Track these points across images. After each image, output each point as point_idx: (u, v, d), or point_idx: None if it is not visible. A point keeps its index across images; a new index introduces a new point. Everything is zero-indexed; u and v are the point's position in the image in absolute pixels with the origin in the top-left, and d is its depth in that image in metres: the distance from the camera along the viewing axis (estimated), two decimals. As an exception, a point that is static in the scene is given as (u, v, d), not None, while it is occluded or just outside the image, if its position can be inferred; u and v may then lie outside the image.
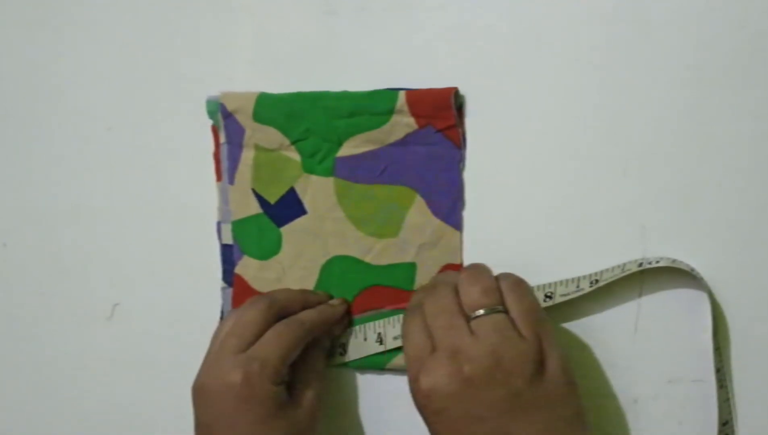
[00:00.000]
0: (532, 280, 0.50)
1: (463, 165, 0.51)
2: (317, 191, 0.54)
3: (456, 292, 0.46)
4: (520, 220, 0.50)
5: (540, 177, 0.49)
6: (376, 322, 0.53)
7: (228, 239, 0.57)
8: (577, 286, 0.48)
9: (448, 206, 0.51)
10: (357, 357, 0.54)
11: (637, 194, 0.48)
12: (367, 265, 0.53)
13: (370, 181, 0.53)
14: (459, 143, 0.50)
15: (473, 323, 0.44)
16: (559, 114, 0.49)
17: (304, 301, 0.53)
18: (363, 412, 0.55)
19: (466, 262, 0.51)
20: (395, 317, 0.52)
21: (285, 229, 0.55)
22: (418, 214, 0.52)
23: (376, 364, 0.54)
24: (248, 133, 0.55)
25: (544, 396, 0.42)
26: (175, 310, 0.60)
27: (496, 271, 0.51)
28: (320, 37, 0.54)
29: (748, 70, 0.45)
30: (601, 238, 0.49)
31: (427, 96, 0.50)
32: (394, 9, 0.52)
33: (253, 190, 0.55)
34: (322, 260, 0.54)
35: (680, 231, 0.47)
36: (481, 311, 0.44)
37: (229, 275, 0.57)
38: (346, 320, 0.54)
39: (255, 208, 0.56)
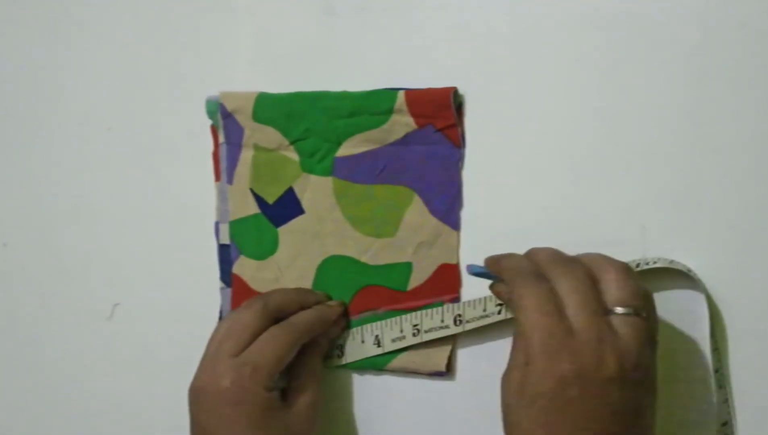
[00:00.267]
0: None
1: (462, 164, 0.51)
2: (316, 191, 0.54)
3: (591, 277, 0.43)
4: (519, 220, 0.50)
5: (539, 177, 0.49)
6: (374, 324, 0.53)
7: (226, 239, 0.57)
8: None
9: (447, 206, 0.51)
10: (354, 359, 0.54)
11: (637, 194, 0.48)
12: (364, 265, 0.53)
13: (368, 181, 0.52)
14: (458, 143, 0.50)
15: (614, 319, 0.41)
16: (559, 114, 0.49)
17: (302, 301, 0.53)
18: (363, 413, 0.55)
19: (463, 262, 0.51)
20: (393, 320, 0.52)
21: (282, 229, 0.55)
22: (416, 213, 0.52)
23: (375, 364, 0.54)
24: (247, 133, 0.55)
25: (650, 406, 0.41)
26: (175, 310, 0.60)
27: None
28: (320, 37, 0.54)
29: (748, 70, 0.45)
30: (601, 238, 0.48)
31: (427, 95, 0.50)
32: (394, 9, 0.52)
33: (252, 190, 0.55)
34: (319, 260, 0.54)
35: (680, 231, 0.47)
36: (624, 310, 0.41)
37: (227, 275, 0.57)
38: (344, 322, 0.54)
39: (253, 208, 0.56)
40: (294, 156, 0.54)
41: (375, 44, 0.53)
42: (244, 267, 0.56)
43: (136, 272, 0.61)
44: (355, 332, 0.54)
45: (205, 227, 0.58)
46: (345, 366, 0.54)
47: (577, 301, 0.41)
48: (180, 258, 0.59)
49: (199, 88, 0.56)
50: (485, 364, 0.52)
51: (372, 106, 0.51)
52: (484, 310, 0.49)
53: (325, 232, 0.54)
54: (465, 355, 0.52)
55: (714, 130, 0.46)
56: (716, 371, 0.46)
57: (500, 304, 0.48)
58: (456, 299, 0.52)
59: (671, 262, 0.46)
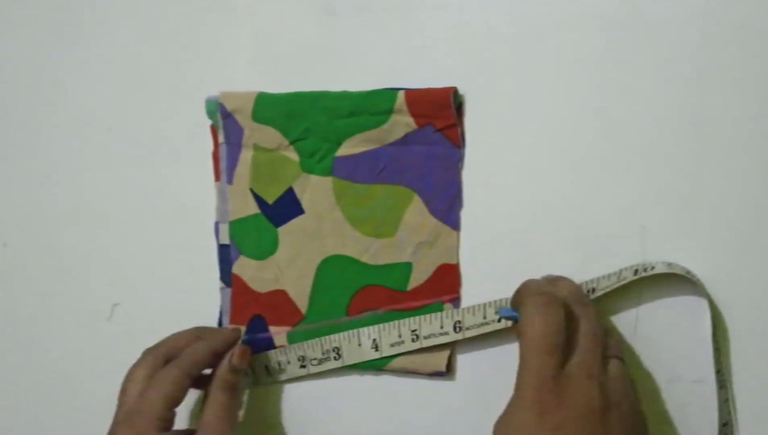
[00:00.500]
0: (532, 280, 0.50)
1: (462, 164, 0.51)
2: (315, 191, 0.54)
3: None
4: (519, 220, 0.50)
5: (539, 177, 0.49)
6: (371, 327, 0.53)
7: (225, 239, 0.57)
8: None
9: (446, 206, 0.51)
10: (352, 362, 0.54)
11: (637, 194, 0.48)
12: (364, 264, 0.53)
13: (368, 181, 0.52)
14: (458, 143, 0.50)
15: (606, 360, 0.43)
16: (559, 114, 0.49)
17: (194, 338, 0.54)
18: (363, 413, 0.55)
19: (463, 263, 0.51)
20: (391, 324, 0.52)
21: (282, 229, 0.55)
22: (416, 213, 0.52)
23: (375, 365, 0.54)
24: (247, 132, 0.55)
25: None
26: (175, 310, 0.59)
27: (494, 271, 0.51)
28: (320, 37, 0.54)
29: (748, 70, 0.45)
30: (601, 238, 0.48)
31: (427, 95, 0.50)
32: (394, 9, 0.52)
33: (252, 190, 0.55)
34: (319, 260, 0.54)
35: (680, 231, 0.47)
36: (612, 353, 0.44)
37: (227, 275, 0.57)
38: (248, 351, 0.54)
39: (253, 208, 0.56)
40: (294, 156, 0.54)
41: (375, 44, 0.53)
42: (244, 267, 0.56)
43: (136, 272, 0.61)
44: (352, 335, 0.53)
45: (205, 227, 0.58)
46: (345, 366, 0.54)
47: (591, 347, 0.43)
48: (180, 258, 0.59)
49: (199, 88, 0.56)
50: (485, 364, 0.52)
51: (372, 106, 0.51)
52: (484, 318, 0.50)
53: (324, 232, 0.54)
54: (465, 355, 0.52)
55: (714, 130, 0.46)
56: (718, 371, 0.46)
57: None
58: (456, 299, 0.52)
59: (670, 265, 0.46)
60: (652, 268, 0.46)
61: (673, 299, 0.47)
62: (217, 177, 0.57)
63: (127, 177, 0.60)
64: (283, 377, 0.56)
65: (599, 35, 0.48)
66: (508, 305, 0.48)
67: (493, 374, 0.51)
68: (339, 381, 0.55)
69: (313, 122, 0.53)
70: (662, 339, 0.48)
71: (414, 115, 0.51)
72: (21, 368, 0.65)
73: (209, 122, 0.57)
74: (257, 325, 0.56)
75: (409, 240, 0.52)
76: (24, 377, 0.65)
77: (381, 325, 0.52)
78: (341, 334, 0.54)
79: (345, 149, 0.53)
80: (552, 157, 0.49)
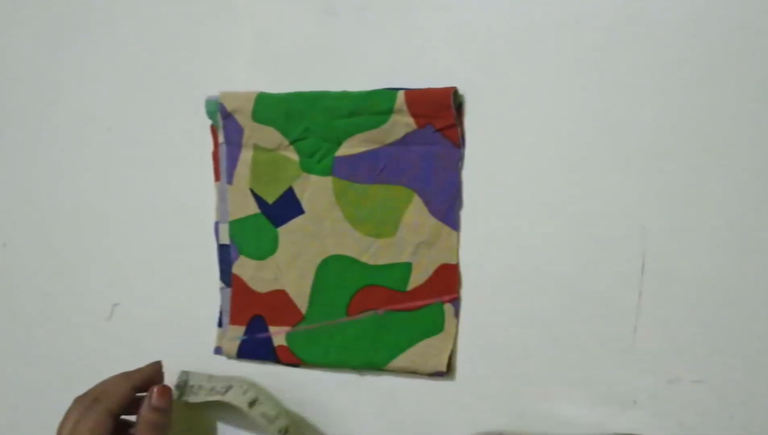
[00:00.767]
0: (531, 281, 0.50)
1: (462, 164, 0.51)
2: (315, 191, 0.54)
3: None
4: (519, 220, 0.50)
5: (539, 177, 0.49)
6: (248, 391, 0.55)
7: (225, 239, 0.57)
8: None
9: (446, 206, 0.51)
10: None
11: (637, 194, 0.48)
12: (364, 264, 0.53)
13: (368, 181, 0.52)
14: (458, 143, 0.50)
15: None
16: (559, 114, 0.49)
17: (122, 382, 0.56)
18: (363, 413, 0.55)
19: (463, 262, 0.51)
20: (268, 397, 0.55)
21: (282, 229, 0.55)
22: (416, 213, 0.52)
23: (375, 364, 0.54)
24: (247, 132, 0.55)
25: None
26: (175, 310, 0.60)
27: (494, 271, 0.51)
28: (320, 37, 0.54)
29: (748, 70, 0.45)
30: (601, 238, 0.48)
31: (427, 95, 0.50)
32: (394, 9, 0.52)
33: (252, 190, 0.55)
34: (319, 260, 0.54)
35: (680, 231, 0.47)
36: None
37: (227, 275, 0.57)
38: (167, 392, 0.55)
39: (253, 208, 0.56)
40: (294, 156, 0.54)
41: (375, 44, 0.53)
42: (243, 267, 0.56)
43: (136, 272, 0.61)
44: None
45: (205, 227, 0.58)
46: (346, 366, 0.54)
47: None
48: (180, 258, 0.59)
49: (199, 88, 0.56)
50: (485, 364, 0.52)
51: (372, 106, 0.51)
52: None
53: (324, 231, 0.54)
54: (465, 355, 0.52)
55: (714, 130, 0.46)
56: None
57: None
58: (456, 299, 0.52)
59: None
60: None
61: (672, 299, 0.47)
62: (217, 177, 0.57)
63: (127, 177, 0.60)
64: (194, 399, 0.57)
65: (599, 35, 0.48)
66: None
67: (493, 374, 0.51)
68: (339, 381, 0.55)
69: (313, 122, 0.53)
70: (662, 338, 0.48)
71: (414, 115, 0.51)
72: (21, 368, 0.65)
73: (209, 122, 0.57)
74: (257, 325, 0.56)
75: (409, 240, 0.52)
76: (24, 377, 0.65)
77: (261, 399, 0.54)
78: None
79: (345, 149, 0.53)
80: (552, 157, 0.49)
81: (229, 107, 0.55)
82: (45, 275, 0.63)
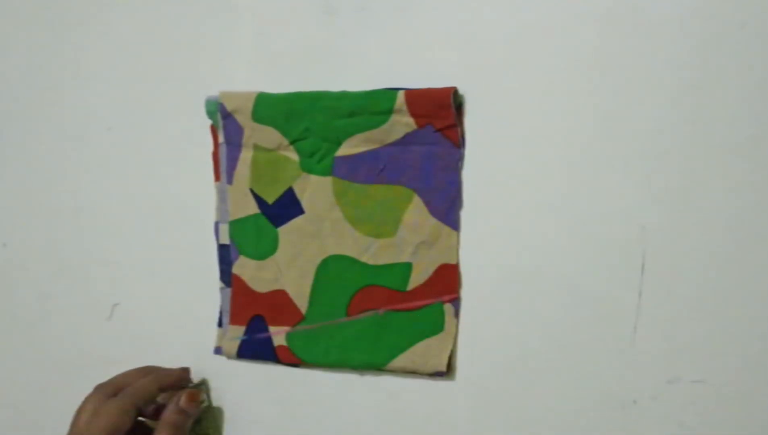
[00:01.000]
0: (531, 281, 0.50)
1: (462, 164, 0.51)
2: (315, 191, 0.54)
3: None
4: (518, 220, 0.50)
5: (539, 177, 0.49)
6: None
7: (225, 239, 0.57)
8: None
9: (446, 206, 0.51)
10: None
11: (637, 194, 0.48)
12: (364, 264, 0.53)
13: (368, 181, 0.52)
14: (458, 143, 0.50)
15: None
16: (559, 114, 0.49)
17: (144, 375, 0.56)
18: (363, 413, 0.55)
19: (462, 262, 0.51)
20: None
21: (282, 229, 0.55)
22: (416, 213, 0.52)
23: (375, 364, 0.54)
24: (247, 132, 0.55)
25: None
26: (175, 310, 0.60)
27: (494, 272, 0.51)
28: (320, 37, 0.54)
29: (748, 70, 0.45)
30: (601, 238, 0.48)
31: (427, 95, 0.50)
32: (394, 9, 0.52)
33: (251, 190, 0.55)
34: (319, 260, 0.54)
35: (680, 231, 0.47)
36: None
37: (227, 275, 0.57)
38: (200, 395, 0.56)
39: (253, 208, 0.56)
40: (294, 156, 0.54)
41: (375, 44, 0.53)
42: (243, 267, 0.56)
43: (136, 272, 0.61)
44: None
45: (205, 227, 0.58)
46: (345, 366, 0.54)
47: None
48: (179, 258, 0.59)
49: (199, 88, 0.56)
50: (485, 364, 0.52)
51: (372, 106, 0.51)
52: None
53: (324, 231, 0.54)
54: (465, 355, 0.52)
55: (714, 130, 0.46)
56: None
57: None
58: (455, 299, 0.52)
59: None
60: None
61: (672, 299, 0.47)
62: (217, 177, 0.57)
63: (127, 177, 0.60)
64: None
65: (599, 36, 0.48)
66: None
67: (493, 374, 0.51)
68: (339, 381, 0.55)
69: (313, 122, 0.53)
70: (662, 338, 0.48)
71: (414, 115, 0.51)
72: (21, 368, 0.65)
73: (209, 122, 0.57)
74: (257, 325, 0.56)
75: (409, 240, 0.52)
76: (24, 377, 0.65)
77: None
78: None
79: (345, 149, 0.53)
80: (552, 157, 0.49)
81: (229, 107, 0.55)
82: (45, 275, 0.63)
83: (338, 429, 0.56)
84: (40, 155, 0.62)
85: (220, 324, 0.58)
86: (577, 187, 0.49)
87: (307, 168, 0.54)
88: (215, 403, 0.58)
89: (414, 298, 0.52)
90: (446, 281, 0.52)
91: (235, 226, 0.56)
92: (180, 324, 0.59)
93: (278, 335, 0.56)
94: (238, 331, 0.57)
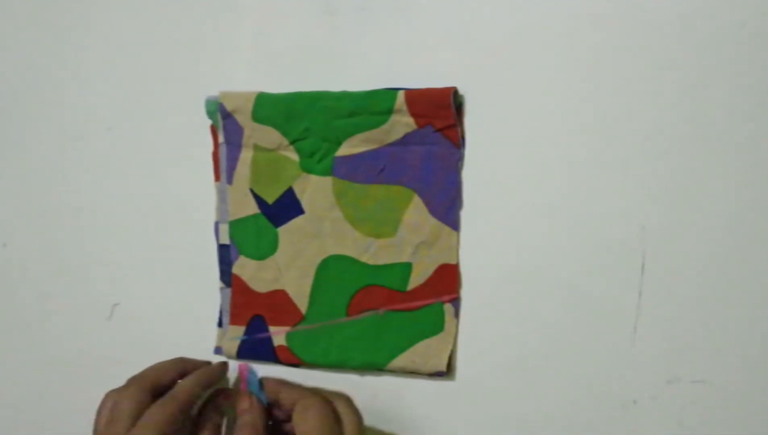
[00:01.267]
0: (531, 282, 0.50)
1: (462, 164, 0.51)
2: (315, 191, 0.54)
3: None
4: (519, 220, 0.50)
5: (539, 177, 0.49)
6: None
7: (225, 239, 0.57)
8: None
9: (446, 206, 0.51)
10: None
11: (637, 194, 0.48)
12: (364, 264, 0.53)
13: (368, 181, 0.52)
14: (458, 143, 0.50)
15: None
16: (559, 114, 0.49)
17: (179, 370, 0.54)
18: (363, 413, 0.55)
19: (462, 262, 0.51)
20: None
21: (282, 229, 0.55)
22: (416, 213, 0.52)
23: (375, 364, 0.54)
24: (247, 132, 0.55)
25: None
26: (175, 310, 0.60)
27: (494, 271, 0.51)
28: (320, 37, 0.54)
29: (748, 70, 0.45)
30: (601, 238, 0.48)
31: (427, 95, 0.50)
32: (394, 9, 0.52)
33: (251, 190, 0.55)
34: (319, 260, 0.54)
35: (680, 231, 0.47)
36: None
37: (226, 276, 0.57)
38: (231, 393, 0.55)
39: (253, 208, 0.56)
40: (293, 156, 0.54)
41: (375, 44, 0.53)
42: (243, 267, 0.56)
43: (136, 272, 0.61)
44: None
45: (204, 227, 0.58)
46: (345, 366, 0.54)
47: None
48: (180, 258, 0.59)
49: (199, 88, 0.56)
50: (485, 364, 0.52)
51: (372, 106, 0.51)
52: None
53: (324, 231, 0.54)
54: (465, 355, 0.52)
55: (714, 130, 0.46)
56: None
57: None
58: (455, 300, 0.52)
59: None
60: None
61: (672, 299, 0.47)
62: (217, 177, 0.57)
63: (127, 177, 0.60)
64: None
65: (599, 35, 0.48)
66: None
67: (493, 374, 0.51)
68: (339, 381, 0.55)
69: (312, 122, 0.53)
70: (662, 338, 0.48)
71: (414, 115, 0.51)
72: (21, 368, 0.65)
73: (209, 122, 0.57)
74: (257, 325, 0.56)
75: (408, 240, 0.52)
76: (24, 377, 0.65)
77: None
78: None
79: (345, 149, 0.53)
80: (552, 157, 0.49)
81: (229, 107, 0.55)
82: (45, 275, 0.63)
83: (338, 429, 0.56)
84: (40, 155, 0.62)
85: (220, 324, 0.58)
86: (577, 187, 0.49)
87: (307, 168, 0.54)
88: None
89: (414, 298, 0.52)
90: (446, 281, 0.52)
91: (235, 226, 0.56)
92: (180, 324, 0.59)
93: (278, 335, 0.56)
94: (238, 331, 0.57)
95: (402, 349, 0.53)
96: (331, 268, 0.54)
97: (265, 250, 0.56)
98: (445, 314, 0.52)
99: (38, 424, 0.65)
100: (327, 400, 0.51)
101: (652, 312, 0.48)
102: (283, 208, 0.55)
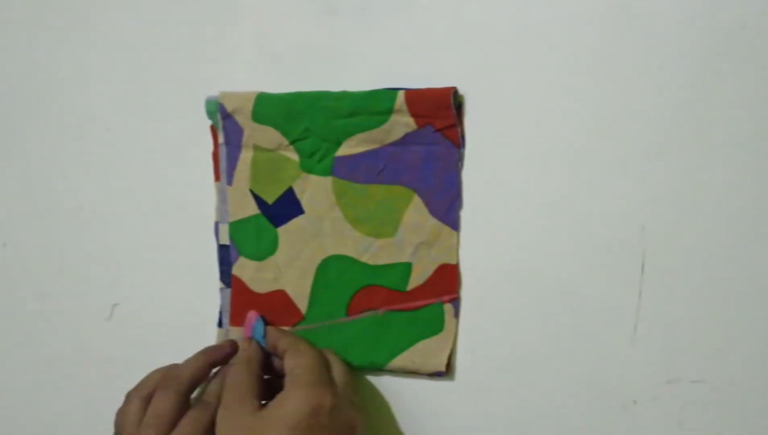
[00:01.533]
0: (531, 282, 0.50)
1: (462, 164, 0.51)
2: (315, 191, 0.54)
3: None
4: (519, 220, 0.50)
5: (539, 177, 0.49)
6: None
7: (225, 240, 0.57)
8: None
9: (446, 206, 0.51)
10: None
11: (636, 194, 0.48)
12: (364, 264, 0.53)
13: (368, 181, 0.52)
14: (458, 143, 0.50)
15: None
16: (559, 114, 0.49)
17: (211, 362, 0.53)
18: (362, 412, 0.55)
19: (462, 262, 0.51)
20: None
21: (282, 230, 0.55)
22: (416, 213, 0.52)
23: (375, 364, 0.54)
24: (247, 133, 0.55)
25: None
26: (175, 310, 0.60)
27: (494, 271, 0.51)
28: (320, 37, 0.54)
29: (748, 70, 0.45)
30: (600, 238, 0.48)
31: (427, 95, 0.50)
32: (394, 9, 0.52)
33: (251, 191, 0.55)
34: (319, 260, 0.54)
35: (680, 231, 0.47)
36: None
37: (226, 276, 0.57)
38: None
39: (253, 208, 0.55)
40: (293, 156, 0.54)
41: (375, 44, 0.53)
42: (243, 268, 0.56)
43: (136, 272, 0.61)
44: None
45: (204, 228, 0.58)
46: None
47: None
48: (179, 258, 0.59)
49: (199, 88, 0.56)
50: (485, 364, 0.52)
51: (372, 106, 0.51)
52: None
53: (324, 232, 0.54)
54: (465, 355, 0.52)
55: (714, 129, 0.46)
56: None
57: None
58: (455, 300, 0.52)
59: None
60: None
61: (672, 299, 0.47)
62: (217, 177, 0.57)
63: (127, 177, 0.60)
64: None
65: (599, 35, 0.48)
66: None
67: (493, 374, 0.51)
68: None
69: (312, 122, 0.53)
70: (662, 338, 0.48)
71: (414, 115, 0.51)
72: (21, 368, 0.65)
73: (209, 122, 0.57)
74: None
75: (408, 240, 0.52)
76: (24, 377, 0.65)
77: None
78: None
79: (345, 149, 0.53)
80: (552, 157, 0.49)
81: (229, 107, 0.55)
82: (45, 275, 0.63)
83: (338, 429, 0.56)
84: (40, 155, 0.62)
85: (220, 324, 0.58)
86: (577, 187, 0.49)
87: (307, 168, 0.54)
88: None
89: (414, 298, 0.52)
90: (446, 281, 0.52)
91: (235, 226, 0.56)
92: (180, 324, 0.59)
93: (278, 335, 0.56)
94: (238, 332, 0.57)
95: (402, 349, 0.53)
96: (331, 268, 0.54)
97: (264, 250, 0.56)
98: (445, 314, 0.52)
99: (38, 424, 0.65)
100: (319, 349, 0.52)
101: (652, 312, 0.48)
102: (283, 209, 0.55)
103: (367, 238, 0.53)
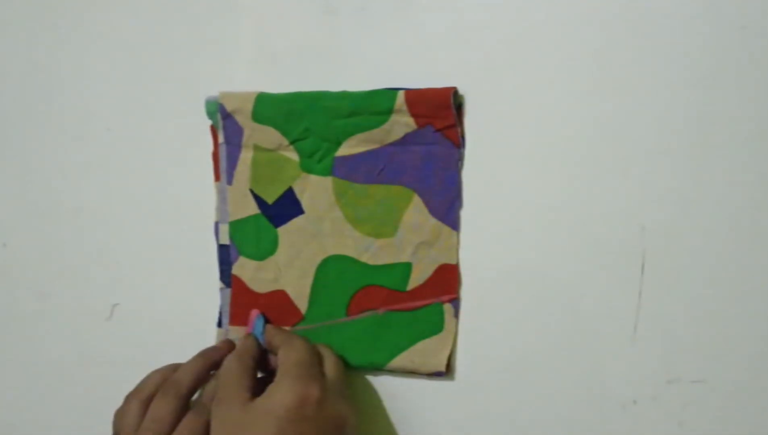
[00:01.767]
0: (531, 282, 0.50)
1: (462, 164, 0.51)
2: (315, 191, 0.54)
3: None
4: (519, 220, 0.50)
5: (539, 177, 0.49)
6: None
7: (225, 240, 0.57)
8: None
9: (446, 206, 0.51)
10: None
11: (636, 194, 0.48)
12: (364, 264, 0.53)
13: (368, 181, 0.52)
14: (458, 143, 0.50)
15: None
16: (559, 114, 0.49)
17: (209, 365, 0.54)
18: (362, 413, 0.55)
19: (462, 262, 0.51)
20: None
21: (282, 230, 0.55)
22: (416, 213, 0.52)
23: (375, 364, 0.54)
24: (247, 133, 0.55)
25: None
26: (175, 310, 0.60)
27: (494, 271, 0.51)
28: (320, 37, 0.54)
29: (748, 70, 0.45)
30: (600, 238, 0.48)
31: (427, 95, 0.50)
32: (394, 9, 0.52)
33: (251, 191, 0.55)
34: (319, 260, 0.54)
35: (680, 231, 0.47)
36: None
37: (226, 276, 0.57)
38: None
39: (253, 208, 0.56)
40: (293, 156, 0.54)
41: (375, 44, 0.53)
42: (243, 268, 0.56)
43: (136, 272, 0.61)
44: None
45: (205, 227, 0.58)
46: (346, 365, 0.54)
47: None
48: (179, 258, 0.59)
49: (199, 88, 0.56)
50: (485, 364, 0.52)
51: (372, 106, 0.51)
52: None
53: (324, 231, 0.54)
54: (465, 355, 0.52)
55: (714, 129, 0.46)
56: None
57: None
58: (455, 300, 0.52)
59: None
60: None
61: (673, 299, 0.47)
62: (217, 177, 0.57)
63: (127, 177, 0.60)
64: None
65: (599, 35, 0.48)
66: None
67: (492, 374, 0.51)
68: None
69: (312, 122, 0.53)
70: (662, 338, 0.48)
71: (414, 115, 0.51)
72: (21, 368, 0.65)
73: (209, 122, 0.57)
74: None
75: (408, 240, 0.52)
76: (24, 377, 0.65)
77: None
78: None
79: (345, 149, 0.53)
80: (552, 157, 0.49)
81: (229, 107, 0.55)
82: (45, 275, 0.63)
83: (338, 429, 0.56)
84: (40, 155, 0.62)
85: (219, 324, 0.58)
86: (577, 187, 0.49)
87: (307, 168, 0.54)
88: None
89: (414, 298, 0.52)
90: (446, 281, 0.52)
91: (235, 226, 0.56)
92: (180, 324, 0.59)
93: (278, 335, 0.56)
94: (238, 332, 0.57)
95: (402, 349, 0.53)
96: (331, 268, 0.54)
97: (264, 250, 0.56)
98: (444, 314, 0.52)
99: (38, 424, 0.65)
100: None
101: (652, 312, 0.48)
102: (283, 208, 0.55)
103: (367, 238, 0.53)
